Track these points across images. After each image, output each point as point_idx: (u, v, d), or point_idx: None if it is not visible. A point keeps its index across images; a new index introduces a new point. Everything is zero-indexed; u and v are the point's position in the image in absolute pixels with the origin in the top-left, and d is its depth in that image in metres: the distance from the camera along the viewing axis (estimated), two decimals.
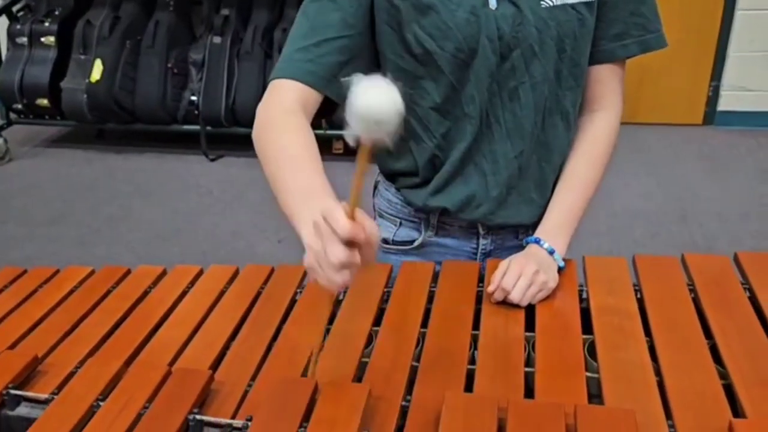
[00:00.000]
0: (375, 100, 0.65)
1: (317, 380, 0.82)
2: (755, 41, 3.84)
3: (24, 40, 4.12)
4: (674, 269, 1.04)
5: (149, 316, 1.06)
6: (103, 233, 3.26)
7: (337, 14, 0.96)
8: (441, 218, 1.13)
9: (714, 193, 3.31)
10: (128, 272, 1.21)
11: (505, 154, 1.04)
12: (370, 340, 0.96)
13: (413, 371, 0.87)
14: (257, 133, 0.97)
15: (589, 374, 0.84)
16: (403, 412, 0.80)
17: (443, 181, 1.07)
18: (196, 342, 0.99)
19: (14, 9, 4.25)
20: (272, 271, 1.15)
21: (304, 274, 1.13)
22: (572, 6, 0.95)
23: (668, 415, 0.76)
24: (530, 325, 0.95)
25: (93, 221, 3.37)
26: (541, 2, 0.94)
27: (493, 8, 0.94)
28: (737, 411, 0.76)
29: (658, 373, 0.83)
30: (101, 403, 0.83)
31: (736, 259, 1.05)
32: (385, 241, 1.20)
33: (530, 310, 0.97)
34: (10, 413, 0.87)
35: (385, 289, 1.06)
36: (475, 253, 1.16)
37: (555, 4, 0.94)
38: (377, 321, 0.99)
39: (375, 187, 1.23)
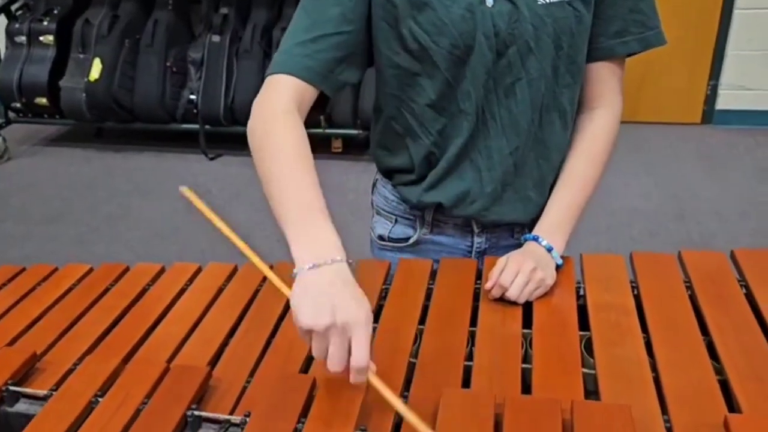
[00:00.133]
0: None
1: (315, 376, 0.82)
2: (754, 40, 3.84)
3: (23, 39, 4.12)
4: (671, 266, 1.04)
5: (147, 313, 1.06)
6: (102, 232, 3.27)
7: (336, 9, 0.97)
8: (436, 215, 1.14)
9: (712, 191, 3.31)
10: (126, 269, 1.21)
11: (500, 150, 1.04)
12: None
13: (411, 368, 0.87)
14: (252, 128, 0.97)
15: (585, 370, 0.85)
16: None
17: (438, 177, 1.08)
18: (195, 339, 0.99)
19: (13, 8, 4.25)
20: (270, 268, 1.15)
21: None
22: (569, 3, 0.95)
23: (664, 410, 0.76)
24: (527, 322, 0.95)
25: (92, 220, 3.38)
26: None
27: (490, 5, 0.94)
28: (733, 406, 0.77)
29: (654, 369, 0.83)
30: (99, 400, 0.84)
31: (732, 256, 1.05)
32: (380, 237, 1.20)
33: (527, 307, 0.98)
34: (9, 409, 0.87)
35: (383, 287, 1.07)
36: (470, 252, 1.17)
37: (551, 1, 0.94)
38: (375, 318, 0.99)
39: (374, 185, 1.23)
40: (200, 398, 0.84)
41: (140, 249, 3.06)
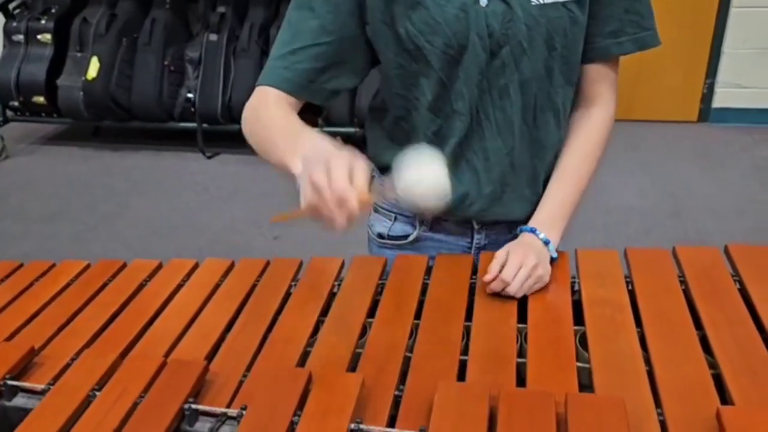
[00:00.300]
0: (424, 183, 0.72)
1: (311, 370, 0.83)
2: (749, 38, 3.85)
3: (20, 37, 4.12)
4: (665, 261, 1.05)
5: (145, 308, 1.07)
6: (100, 230, 3.27)
7: (314, 22, 0.99)
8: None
9: (708, 189, 3.32)
10: (124, 266, 1.22)
11: (497, 151, 1.04)
12: (364, 331, 0.96)
13: (406, 362, 0.88)
14: (244, 118, 1.04)
15: (580, 364, 0.85)
16: (396, 402, 0.80)
17: None
18: (192, 334, 0.99)
19: (11, 6, 4.25)
20: (267, 264, 1.16)
21: (299, 267, 1.14)
22: (563, 4, 0.95)
23: (657, 403, 0.77)
24: (522, 317, 0.96)
25: (89, 218, 3.38)
26: (532, 0, 0.94)
27: (484, 5, 0.94)
28: (726, 400, 0.77)
29: (648, 363, 0.84)
30: (97, 394, 0.84)
31: (726, 252, 1.06)
32: (380, 235, 1.21)
33: (523, 302, 0.98)
34: (7, 404, 0.88)
35: (380, 282, 1.07)
36: (470, 248, 1.17)
37: (545, 2, 0.94)
38: (371, 313, 1.00)
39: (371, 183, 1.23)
40: (197, 392, 0.84)
41: (138, 247, 3.06)
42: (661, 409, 0.76)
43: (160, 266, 1.20)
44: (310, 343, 0.95)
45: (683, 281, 1.00)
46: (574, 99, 1.08)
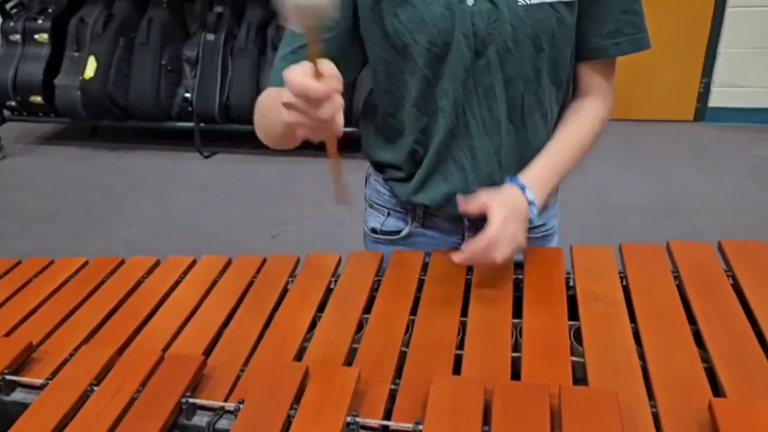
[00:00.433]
0: None
1: (308, 365, 0.83)
2: (745, 38, 3.87)
3: (17, 37, 4.13)
4: (659, 257, 1.05)
5: (142, 304, 1.07)
6: (97, 230, 3.27)
7: None
8: (426, 210, 1.15)
9: (704, 188, 3.34)
10: (121, 263, 1.22)
11: (484, 150, 1.04)
12: (360, 327, 0.97)
13: (402, 356, 0.89)
14: (255, 125, 1.04)
15: (574, 359, 0.86)
16: (392, 395, 0.81)
17: (424, 177, 1.08)
18: (189, 329, 1.00)
19: (7, 6, 4.25)
20: (264, 261, 1.17)
21: (296, 264, 1.15)
22: (550, 5, 0.95)
23: (651, 396, 0.77)
24: (518, 312, 0.96)
25: (87, 218, 3.38)
26: (518, 0, 0.94)
27: (470, 4, 0.94)
28: (718, 393, 0.78)
29: (641, 357, 0.85)
30: (95, 388, 0.85)
31: (719, 247, 1.07)
32: (373, 230, 1.22)
33: (518, 298, 0.99)
34: (6, 398, 0.88)
35: (376, 278, 1.08)
36: (461, 245, 1.17)
37: (532, 2, 0.94)
38: (367, 309, 1.01)
39: (366, 179, 1.24)
40: (195, 386, 0.85)
41: (136, 247, 3.06)
42: (654, 401, 0.76)
43: (157, 263, 1.21)
44: (307, 338, 0.95)
45: (677, 276, 1.01)
46: (571, 95, 1.09)
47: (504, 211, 0.95)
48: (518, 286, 1.02)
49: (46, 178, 3.89)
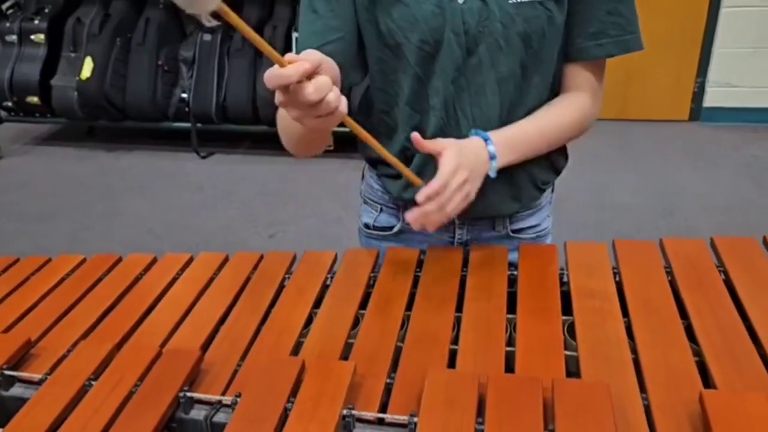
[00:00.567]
0: None
1: (304, 359, 0.84)
2: (740, 38, 3.89)
3: (14, 37, 4.13)
4: (652, 253, 1.07)
5: (140, 301, 1.08)
6: (95, 230, 3.28)
7: (319, 23, 1.00)
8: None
9: (699, 188, 3.35)
10: (119, 260, 1.23)
11: None
12: (356, 322, 0.98)
13: (398, 351, 0.89)
14: (279, 131, 1.03)
15: (568, 353, 0.87)
16: (388, 389, 0.82)
17: (414, 173, 1.09)
18: (187, 325, 1.01)
19: (4, 6, 4.25)
20: (261, 258, 1.18)
21: (293, 260, 1.16)
22: (540, 2, 0.95)
23: (642, 388, 0.78)
24: (512, 308, 0.97)
25: (84, 218, 3.38)
26: None
27: (461, 2, 0.95)
28: (709, 385, 0.79)
29: (634, 350, 0.86)
30: (93, 383, 0.85)
31: (712, 243, 1.08)
32: (366, 225, 1.23)
33: (512, 293, 1.00)
34: (5, 393, 0.89)
35: (372, 274, 1.09)
36: (452, 243, 1.19)
37: (522, 0, 0.95)
38: (363, 304, 1.01)
39: (362, 174, 1.25)
40: (192, 381, 0.86)
41: (133, 247, 3.07)
42: (646, 393, 0.77)
43: (154, 260, 1.22)
44: (304, 333, 0.96)
45: (669, 272, 1.02)
46: (556, 94, 1.08)
47: (457, 159, 0.93)
48: (513, 282, 1.03)
49: (43, 178, 3.90)
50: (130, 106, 4.00)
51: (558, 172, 1.17)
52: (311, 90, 0.74)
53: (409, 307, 0.99)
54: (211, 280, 1.13)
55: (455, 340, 0.92)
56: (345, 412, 0.76)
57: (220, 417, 0.81)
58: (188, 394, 0.82)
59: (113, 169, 3.99)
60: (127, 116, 4.07)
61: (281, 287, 1.09)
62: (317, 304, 1.03)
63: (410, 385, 0.81)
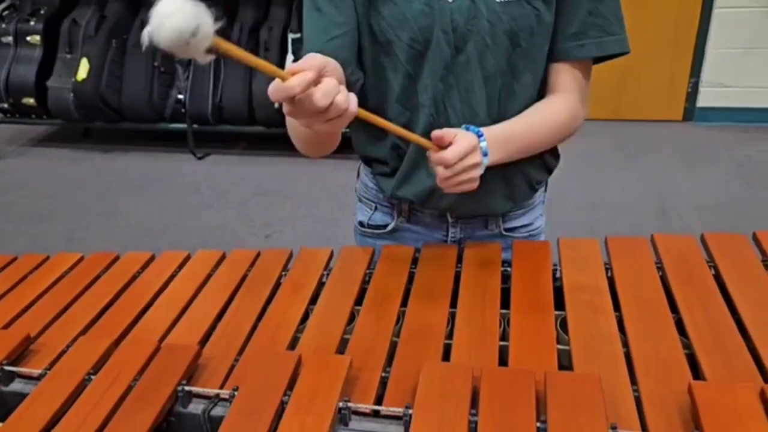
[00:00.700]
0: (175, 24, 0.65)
1: (301, 353, 0.86)
2: (732, 38, 3.91)
3: (9, 39, 4.13)
4: (644, 249, 1.08)
5: (138, 297, 1.09)
6: (91, 231, 3.28)
7: (323, 21, 1.00)
8: (411, 206, 1.17)
9: (693, 187, 3.37)
10: (117, 258, 1.24)
11: None
12: (352, 318, 0.99)
13: (393, 346, 0.91)
14: (289, 132, 1.01)
15: (560, 347, 0.88)
16: (383, 382, 0.83)
17: (407, 172, 1.10)
18: (185, 321, 1.02)
19: None
20: (258, 255, 1.19)
21: (289, 258, 1.17)
22: (527, 1, 0.97)
23: (633, 381, 0.80)
24: (506, 303, 0.99)
25: (81, 219, 3.39)
26: None
27: (450, 1, 0.97)
28: (699, 378, 0.80)
29: (625, 344, 0.87)
30: (92, 378, 0.86)
31: (702, 239, 1.10)
32: (361, 224, 1.24)
33: (506, 289, 1.01)
34: (4, 389, 0.90)
35: (367, 271, 1.10)
36: (446, 241, 1.20)
37: None
38: (359, 301, 1.03)
39: (357, 173, 1.27)
40: (190, 375, 0.87)
41: (130, 247, 3.04)
42: (637, 386, 0.79)
43: (152, 258, 1.23)
44: (300, 329, 0.97)
45: (660, 267, 1.04)
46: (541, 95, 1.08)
47: (473, 142, 0.93)
48: (506, 278, 1.05)
49: (39, 179, 3.90)
50: (127, 107, 4.00)
51: (550, 172, 1.18)
52: (319, 96, 0.73)
53: (405, 302, 1.01)
54: (208, 277, 1.14)
55: (450, 335, 0.93)
56: (341, 404, 0.77)
57: (217, 410, 0.82)
58: (186, 388, 0.83)
59: (110, 170, 3.99)
60: (123, 117, 4.07)
61: (278, 284, 1.10)
62: (314, 300, 1.04)
63: (405, 379, 0.83)
